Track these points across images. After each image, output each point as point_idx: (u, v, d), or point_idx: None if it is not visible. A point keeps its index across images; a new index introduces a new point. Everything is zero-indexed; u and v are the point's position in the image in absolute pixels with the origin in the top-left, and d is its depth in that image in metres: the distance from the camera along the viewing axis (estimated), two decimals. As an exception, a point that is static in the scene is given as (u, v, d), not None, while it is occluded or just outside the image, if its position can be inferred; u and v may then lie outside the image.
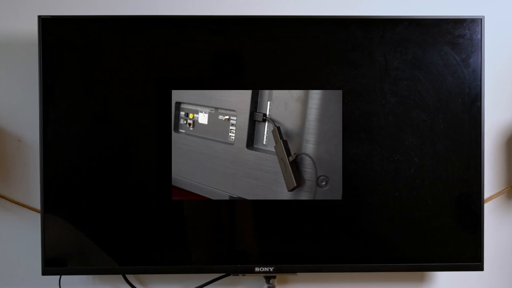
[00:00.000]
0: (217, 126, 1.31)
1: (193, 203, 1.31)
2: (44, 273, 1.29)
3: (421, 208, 1.30)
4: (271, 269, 1.30)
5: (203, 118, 1.33)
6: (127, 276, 1.40)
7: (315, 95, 1.24)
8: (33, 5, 1.40)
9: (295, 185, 1.22)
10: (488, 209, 1.43)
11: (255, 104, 1.27)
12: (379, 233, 1.31)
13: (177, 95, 1.30)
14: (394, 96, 1.29)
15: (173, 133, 1.30)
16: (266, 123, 1.26)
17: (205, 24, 1.29)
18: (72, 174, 1.29)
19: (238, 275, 1.34)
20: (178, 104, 1.32)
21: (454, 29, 1.29)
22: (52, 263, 1.29)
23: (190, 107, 1.33)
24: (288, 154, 1.22)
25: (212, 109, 1.31)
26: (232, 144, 1.29)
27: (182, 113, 1.34)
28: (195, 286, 1.40)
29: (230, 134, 1.29)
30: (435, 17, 1.29)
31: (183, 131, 1.35)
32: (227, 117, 1.30)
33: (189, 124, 1.34)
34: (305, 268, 1.31)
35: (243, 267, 1.31)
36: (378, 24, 1.28)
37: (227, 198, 1.30)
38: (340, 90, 1.28)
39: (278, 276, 1.40)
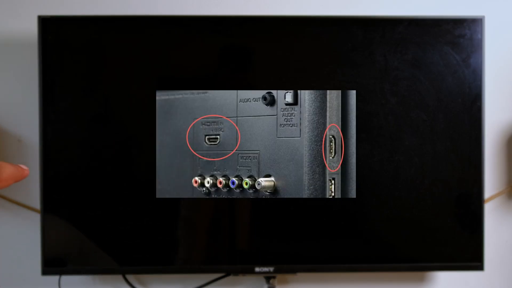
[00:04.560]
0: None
1: (192, 202, 1.31)
2: (44, 273, 1.29)
3: (421, 208, 1.30)
4: (271, 269, 1.30)
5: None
6: (127, 276, 1.40)
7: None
8: (33, 5, 1.40)
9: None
10: (488, 209, 1.43)
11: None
12: (379, 233, 1.31)
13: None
14: (394, 96, 1.29)
15: (173, 133, 1.30)
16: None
17: (205, 24, 1.29)
18: (72, 174, 1.29)
19: (238, 275, 1.34)
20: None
21: (454, 29, 1.29)
22: (52, 263, 1.29)
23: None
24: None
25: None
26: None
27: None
28: (195, 286, 1.40)
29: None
30: (435, 17, 1.29)
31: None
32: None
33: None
34: (305, 268, 1.31)
35: (243, 267, 1.31)
36: (378, 24, 1.28)
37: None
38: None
39: (278, 276, 1.40)
